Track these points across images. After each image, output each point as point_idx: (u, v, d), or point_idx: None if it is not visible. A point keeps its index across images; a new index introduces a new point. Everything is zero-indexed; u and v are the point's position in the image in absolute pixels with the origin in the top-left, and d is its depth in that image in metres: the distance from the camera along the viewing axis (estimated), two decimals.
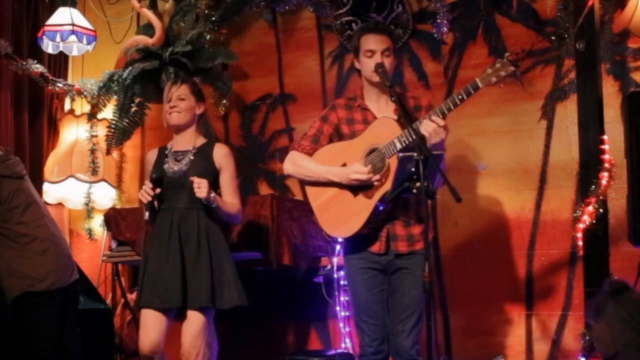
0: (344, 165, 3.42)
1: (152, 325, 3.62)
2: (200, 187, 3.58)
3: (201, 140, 3.82)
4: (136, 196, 5.40)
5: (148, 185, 3.67)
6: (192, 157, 3.74)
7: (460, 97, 3.21)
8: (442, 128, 3.21)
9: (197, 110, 3.82)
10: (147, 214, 3.67)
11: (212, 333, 3.95)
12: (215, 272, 3.62)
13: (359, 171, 3.33)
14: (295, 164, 3.56)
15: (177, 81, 3.86)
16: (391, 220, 3.38)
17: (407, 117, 3.20)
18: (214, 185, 3.73)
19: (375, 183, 3.31)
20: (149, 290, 3.64)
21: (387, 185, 3.26)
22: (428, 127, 3.20)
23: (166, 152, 3.82)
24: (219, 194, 3.74)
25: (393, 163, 3.26)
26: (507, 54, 3.19)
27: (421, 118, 3.26)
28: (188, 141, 3.80)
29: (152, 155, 3.87)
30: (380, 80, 3.34)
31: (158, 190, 3.66)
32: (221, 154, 3.76)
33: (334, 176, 3.41)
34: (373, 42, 3.42)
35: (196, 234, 3.64)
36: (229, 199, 3.74)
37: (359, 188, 3.38)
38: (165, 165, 3.75)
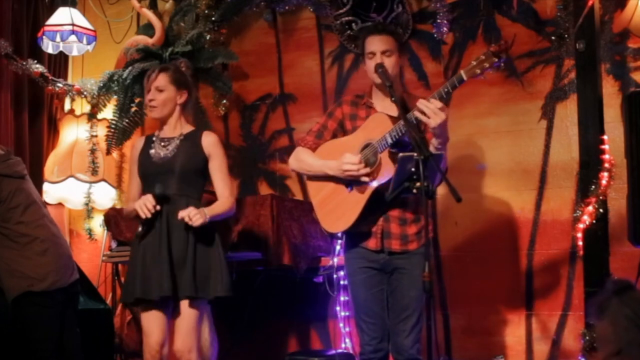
0: None
1: (154, 325, 3.55)
2: (192, 216, 3.43)
3: (188, 128, 3.72)
4: None
5: (150, 200, 3.50)
6: (178, 143, 3.64)
7: (446, 90, 3.20)
8: (440, 110, 3.15)
9: (179, 99, 3.68)
10: (142, 229, 3.54)
11: (213, 332, 3.94)
12: (199, 261, 3.51)
13: (349, 161, 3.36)
14: (298, 159, 3.61)
15: (155, 70, 3.73)
16: (387, 217, 3.40)
17: (405, 114, 3.20)
18: (202, 173, 3.65)
19: (363, 179, 3.33)
20: (140, 282, 3.52)
21: (380, 179, 3.29)
22: (425, 108, 3.16)
23: (153, 138, 3.71)
24: (208, 183, 3.66)
25: (385, 157, 3.30)
26: (491, 46, 3.20)
27: (413, 110, 3.25)
28: (174, 128, 3.69)
29: (139, 143, 3.76)
30: (380, 81, 3.35)
31: (159, 208, 3.51)
32: (210, 142, 3.65)
33: (329, 169, 3.45)
34: (373, 44, 3.45)
35: (184, 222, 3.50)
36: (220, 188, 3.64)
37: (353, 183, 3.41)
38: (152, 151, 3.65)
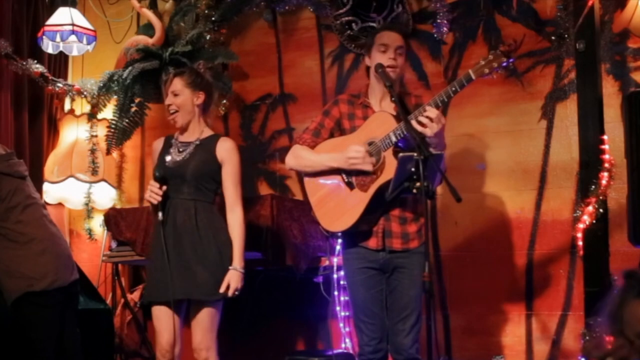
0: None
1: (164, 326, 3.57)
2: (231, 288, 3.48)
3: (208, 132, 3.73)
4: (136, 196, 5.43)
5: (154, 185, 3.57)
6: (192, 149, 3.65)
7: (453, 89, 3.22)
8: (437, 118, 3.20)
9: (196, 100, 3.69)
10: (159, 214, 3.57)
11: None
12: (217, 261, 3.55)
13: (354, 149, 3.35)
14: (297, 156, 3.59)
15: (170, 75, 3.75)
16: (387, 216, 3.40)
17: (405, 114, 3.20)
18: (215, 180, 3.65)
19: (366, 168, 3.33)
20: (151, 285, 3.62)
21: (383, 178, 3.29)
22: (422, 118, 3.21)
23: (172, 141, 3.74)
24: (219, 189, 3.67)
25: (389, 156, 3.30)
26: (500, 45, 3.23)
27: (416, 111, 3.26)
28: (193, 132, 3.71)
29: (158, 144, 3.78)
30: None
31: (164, 188, 3.56)
32: (224, 148, 3.66)
33: (334, 161, 3.44)
34: (388, 38, 3.46)
35: (194, 223, 3.55)
36: (228, 195, 3.63)
37: (354, 181, 3.40)
38: (168, 157, 3.67)
